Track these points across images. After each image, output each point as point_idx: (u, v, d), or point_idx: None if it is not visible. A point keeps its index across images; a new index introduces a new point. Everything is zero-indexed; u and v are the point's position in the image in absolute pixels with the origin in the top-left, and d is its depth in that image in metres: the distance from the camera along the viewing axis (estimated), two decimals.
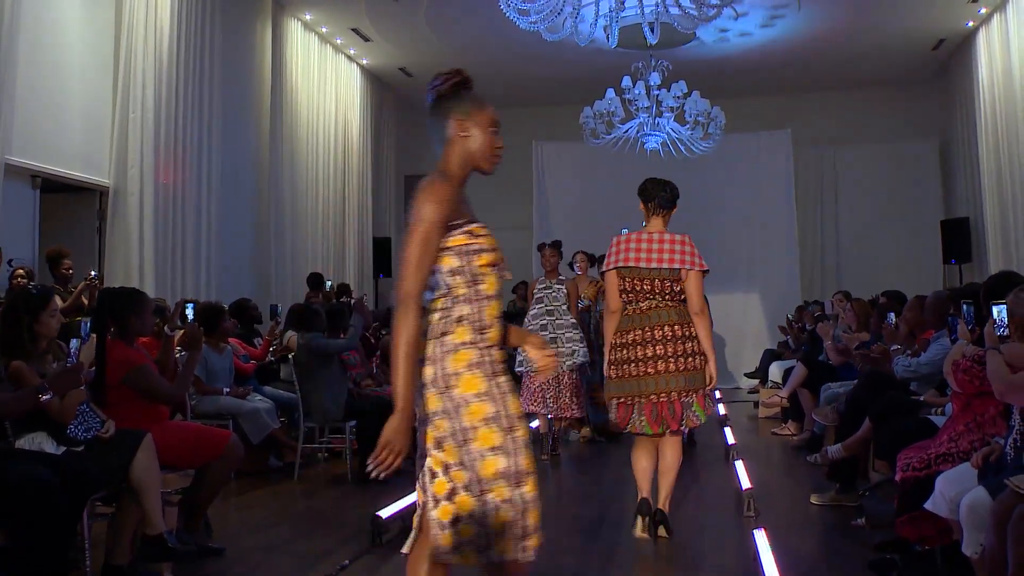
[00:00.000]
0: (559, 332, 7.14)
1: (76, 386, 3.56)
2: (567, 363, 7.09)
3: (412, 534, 2.44)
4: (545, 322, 7.18)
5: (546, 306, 7.22)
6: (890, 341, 5.65)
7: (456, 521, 2.32)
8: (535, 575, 3.92)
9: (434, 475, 2.35)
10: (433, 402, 2.36)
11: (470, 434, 2.33)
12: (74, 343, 3.59)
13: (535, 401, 7.10)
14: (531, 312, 7.31)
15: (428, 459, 2.36)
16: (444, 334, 2.37)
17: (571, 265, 7.88)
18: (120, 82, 7.91)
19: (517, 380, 7.69)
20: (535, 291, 7.35)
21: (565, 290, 7.26)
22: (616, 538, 4.66)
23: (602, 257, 8.83)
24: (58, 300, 6.18)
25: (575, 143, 12.35)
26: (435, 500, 2.34)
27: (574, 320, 7.23)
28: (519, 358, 7.19)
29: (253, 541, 4.60)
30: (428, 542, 2.36)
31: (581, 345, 7.21)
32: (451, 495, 2.33)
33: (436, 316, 2.38)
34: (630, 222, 13.75)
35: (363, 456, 6.19)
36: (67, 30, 7.49)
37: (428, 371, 2.37)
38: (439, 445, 2.34)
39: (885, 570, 3.80)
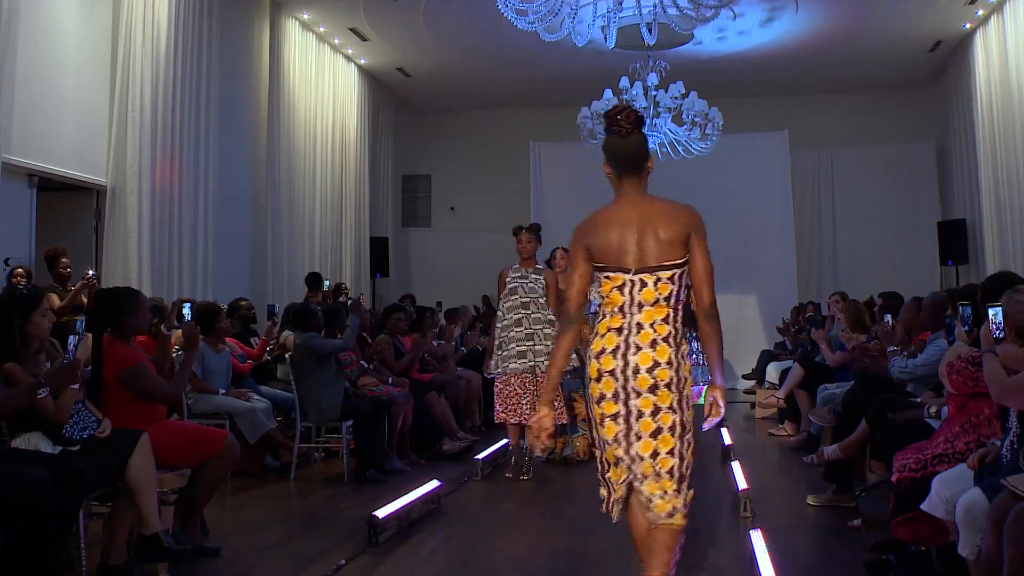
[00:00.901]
0: (536, 328, 6.34)
1: (73, 382, 3.56)
2: (546, 364, 6.10)
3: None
4: (520, 316, 6.35)
5: (521, 297, 6.37)
6: (886, 343, 5.66)
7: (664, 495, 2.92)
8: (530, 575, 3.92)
9: (641, 457, 2.90)
10: (668, 399, 2.87)
11: (688, 427, 2.92)
12: (72, 339, 3.59)
13: (508, 409, 6.36)
14: (504, 304, 6.43)
15: (637, 445, 2.88)
16: (679, 344, 2.92)
17: (548, 263, 7.13)
18: (118, 81, 7.90)
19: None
20: (507, 280, 6.46)
21: (543, 280, 6.43)
22: (611, 539, 4.66)
23: None
24: (56, 299, 6.21)
25: (572, 143, 12.33)
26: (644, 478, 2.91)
27: (552, 315, 6.36)
28: (493, 361, 6.50)
29: (249, 541, 4.59)
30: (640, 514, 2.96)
31: None
32: (657, 475, 2.89)
33: (670, 328, 2.91)
34: None
35: (360, 456, 6.19)
36: (64, 29, 7.48)
37: (667, 374, 2.87)
38: (656, 434, 2.88)
39: (881, 571, 3.81)
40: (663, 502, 2.90)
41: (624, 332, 2.89)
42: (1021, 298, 3.41)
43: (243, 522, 5.03)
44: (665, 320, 2.89)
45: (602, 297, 2.99)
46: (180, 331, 4.74)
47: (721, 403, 2.95)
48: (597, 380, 2.92)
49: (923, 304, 5.44)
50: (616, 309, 2.93)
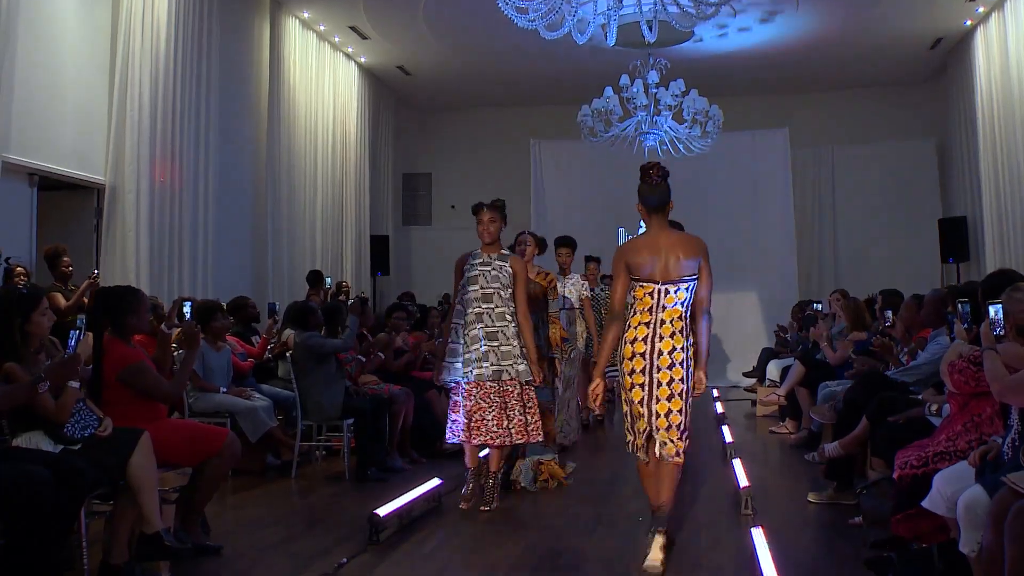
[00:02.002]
0: (500, 325, 5.16)
1: (73, 377, 3.55)
2: (516, 368, 5.15)
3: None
4: (480, 310, 5.17)
5: (482, 288, 5.20)
6: (891, 359, 5.63)
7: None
8: (531, 573, 3.93)
9: (659, 414, 4.02)
10: (680, 373, 4.00)
11: (690, 394, 4.06)
12: (73, 334, 3.59)
13: (471, 426, 5.16)
14: (462, 296, 5.28)
15: (656, 405, 3.99)
16: (687, 335, 4.05)
17: (512, 248, 6.09)
18: (117, 80, 7.90)
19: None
20: (465, 268, 5.29)
21: (509, 268, 5.25)
22: (613, 537, 4.66)
23: (568, 242, 7.99)
24: (61, 298, 6.22)
25: (573, 141, 12.35)
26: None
27: (518, 311, 5.23)
28: (450, 370, 5.29)
29: (250, 539, 4.59)
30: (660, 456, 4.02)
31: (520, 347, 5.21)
32: (669, 428, 4.01)
33: (683, 323, 4.04)
34: (628, 221, 13.73)
35: (361, 454, 6.19)
36: (64, 28, 7.48)
37: (680, 356, 4.00)
38: (671, 398, 4.00)
39: (882, 568, 3.80)
40: (671, 446, 4.00)
41: (651, 326, 4.01)
42: (1021, 296, 3.40)
43: (244, 521, 5.04)
44: (680, 318, 4.03)
45: (635, 299, 4.07)
46: (180, 330, 4.74)
47: (704, 380, 4.09)
48: (631, 359, 4.02)
49: (924, 301, 5.43)
50: (646, 309, 4.04)
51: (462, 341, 5.24)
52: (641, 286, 4.07)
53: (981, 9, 10.65)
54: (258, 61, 10.25)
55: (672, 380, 3.98)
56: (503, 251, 5.35)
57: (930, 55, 12.43)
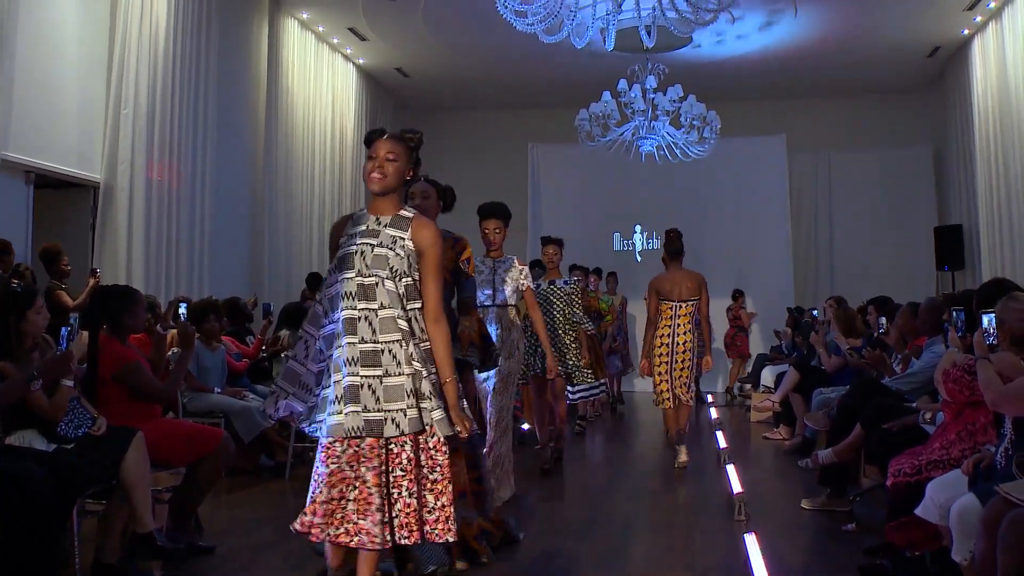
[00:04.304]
0: (386, 341, 2.99)
1: (67, 374, 3.54)
2: (412, 415, 2.95)
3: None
4: (356, 313, 3.02)
5: (359, 275, 3.05)
6: (886, 370, 5.64)
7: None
8: None
9: (677, 379, 6.71)
10: (690, 355, 6.66)
11: (694, 369, 7.04)
12: (64, 330, 3.58)
13: (327, 508, 2.99)
14: (325, 289, 3.18)
15: (675, 373, 6.58)
16: (697, 332, 6.80)
17: (407, 201, 4.08)
18: (114, 78, 7.88)
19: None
20: (341, 241, 3.19)
21: (409, 243, 3.07)
22: (606, 541, 4.66)
23: (496, 211, 5.44)
24: (66, 296, 6.22)
25: (571, 145, 12.36)
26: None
27: (416, 312, 3.07)
28: (284, 404, 3.15)
29: (243, 540, 4.58)
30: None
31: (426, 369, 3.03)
32: (683, 386, 6.73)
33: (692, 324, 6.69)
34: (624, 226, 13.72)
35: None
36: (63, 26, 7.47)
37: (691, 344, 6.67)
38: (683, 370, 6.66)
39: (875, 575, 3.81)
40: (684, 396, 6.67)
41: (672, 327, 6.60)
42: (1016, 305, 3.40)
43: (238, 521, 5.03)
44: (689, 322, 6.62)
45: (661, 312, 6.64)
46: (176, 331, 4.73)
47: (711, 363, 7.00)
48: (660, 346, 6.61)
49: (920, 309, 5.44)
50: (668, 317, 6.61)
51: (311, 362, 3.14)
52: (664, 302, 6.63)
53: (979, 19, 10.68)
54: (256, 62, 10.23)
55: (684, 359, 6.59)
56: (404, 211, 3.14)
57: (928, 63, 12.46)
